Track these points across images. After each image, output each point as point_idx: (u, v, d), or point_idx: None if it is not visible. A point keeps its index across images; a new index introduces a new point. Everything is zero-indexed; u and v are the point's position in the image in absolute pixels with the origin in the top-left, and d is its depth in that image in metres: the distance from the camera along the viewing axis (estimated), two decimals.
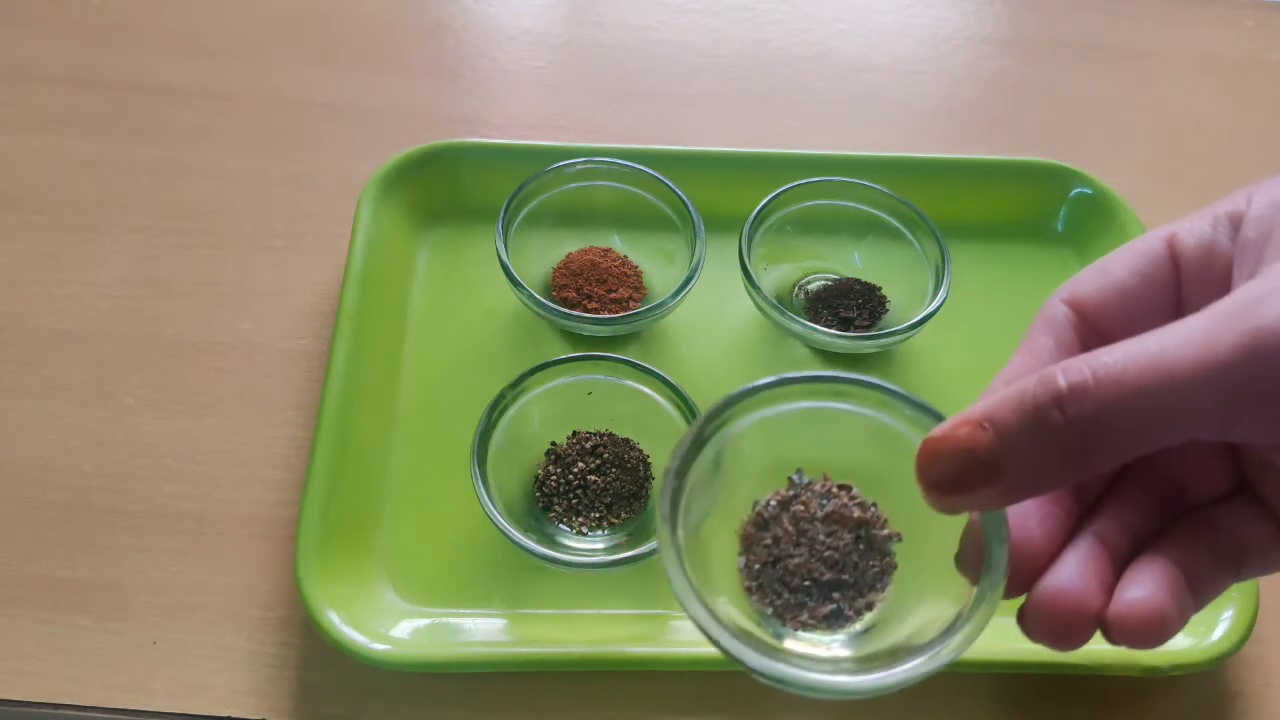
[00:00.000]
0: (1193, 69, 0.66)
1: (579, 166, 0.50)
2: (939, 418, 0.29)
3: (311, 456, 0.42)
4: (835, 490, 0.32)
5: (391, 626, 0.40)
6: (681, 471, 0.30)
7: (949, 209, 0.52)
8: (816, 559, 0.31)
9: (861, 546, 0.31)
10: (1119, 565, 0.27)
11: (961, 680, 0.41)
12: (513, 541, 0.39)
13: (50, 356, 0.48)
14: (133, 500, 0.44)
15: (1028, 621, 0.27)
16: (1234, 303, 0.24)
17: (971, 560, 0.28)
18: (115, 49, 0.61)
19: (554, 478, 0.43)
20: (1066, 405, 0.24)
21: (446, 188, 0.53)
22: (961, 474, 0.25)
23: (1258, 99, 0.65)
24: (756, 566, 0.31)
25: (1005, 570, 0.27)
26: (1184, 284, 0.29)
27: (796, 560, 0.31)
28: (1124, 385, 0.23)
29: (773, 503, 0.32)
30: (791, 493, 0.32)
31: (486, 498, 0.40)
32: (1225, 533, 0.27)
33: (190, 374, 0.48)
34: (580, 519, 0.43)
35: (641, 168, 0.50)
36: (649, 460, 0.44)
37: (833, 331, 0.47)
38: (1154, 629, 0.25)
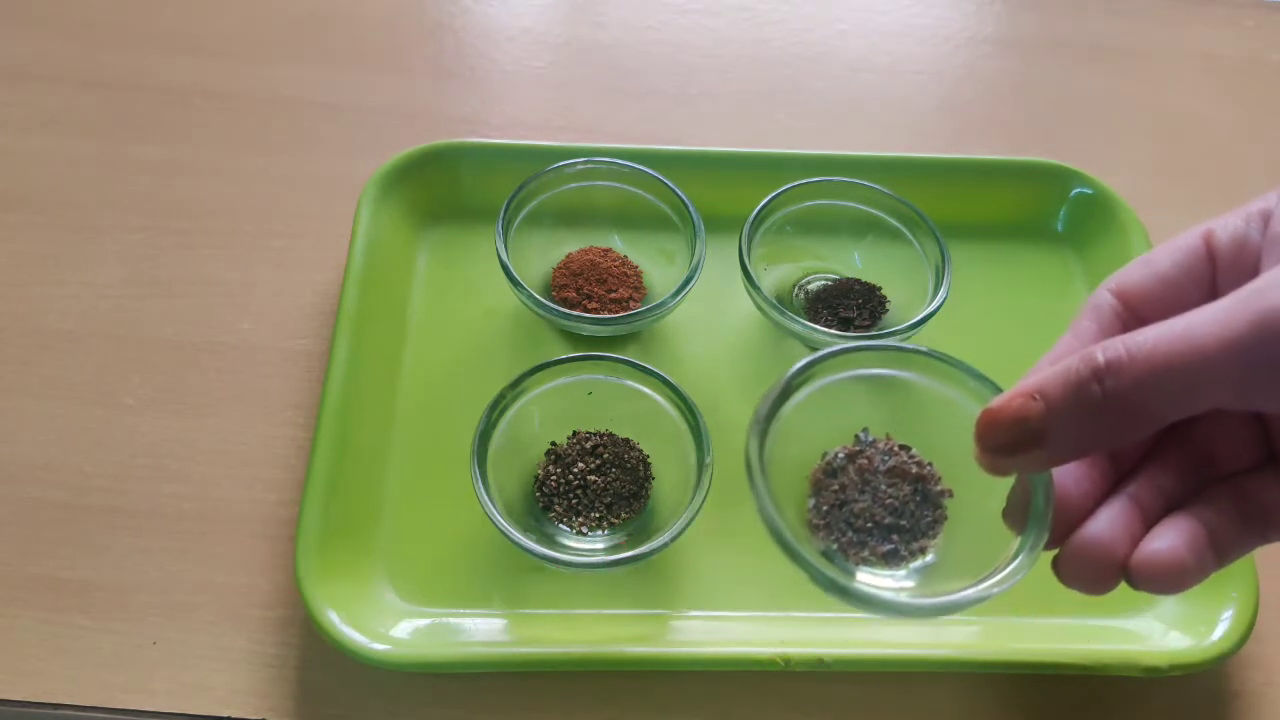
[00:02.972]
0: (1193, 69, 0.66)
1: (579, 166, 0.50)
2: (997, 389, 0.33)
3: (311, 456, 0.42)
4: (896, 449, 0.37)
5: (391, 626, 0.40)
6: (769, 417, 0.34)
7: (949, 209, 0.52)
8: (878, 505, 0.36)
9: (918, 498, 0.36)
10: (1149, 523, 0.30)
11: (962, 680, 0.41)
12: (513, 541, 0.39)
13: (50, 356, 0.48)
14: (133, 500, 0.44)
15: (1062, 567, 0.30)
16: (1251, 288, 0.27)
17: (1018, 514, 0.31)
18: (115, 49, 0.61)
19: (554, 478, 0.43)
20: (1105, 379, 0.27)
21: (446, 188, 0.53)
22: (1014, 440, 0.29)
23: (1258, 99, 0.65)
24: (825, 508, 0.36)
25: (1049, 523, 0.30)
26: (1219, 274, 0.32)
27: (861, 505, 0.36)
28: (1154, 360, 0.27)
29: (841, 455, 0.37)
30: (858, 448, 0.37)
31: (486, 498, 0.40)
32: (1253, 498, 0.30)
33: (190, 374, 0.48)
34: (580, 519, 0.43)
35: (641, 168, 0.50)
36: (649, 460, 0.44)
37: (833, 331, 0.47)
38: (1171, 577, 0.29)
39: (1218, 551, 0.30)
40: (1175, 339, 0.27)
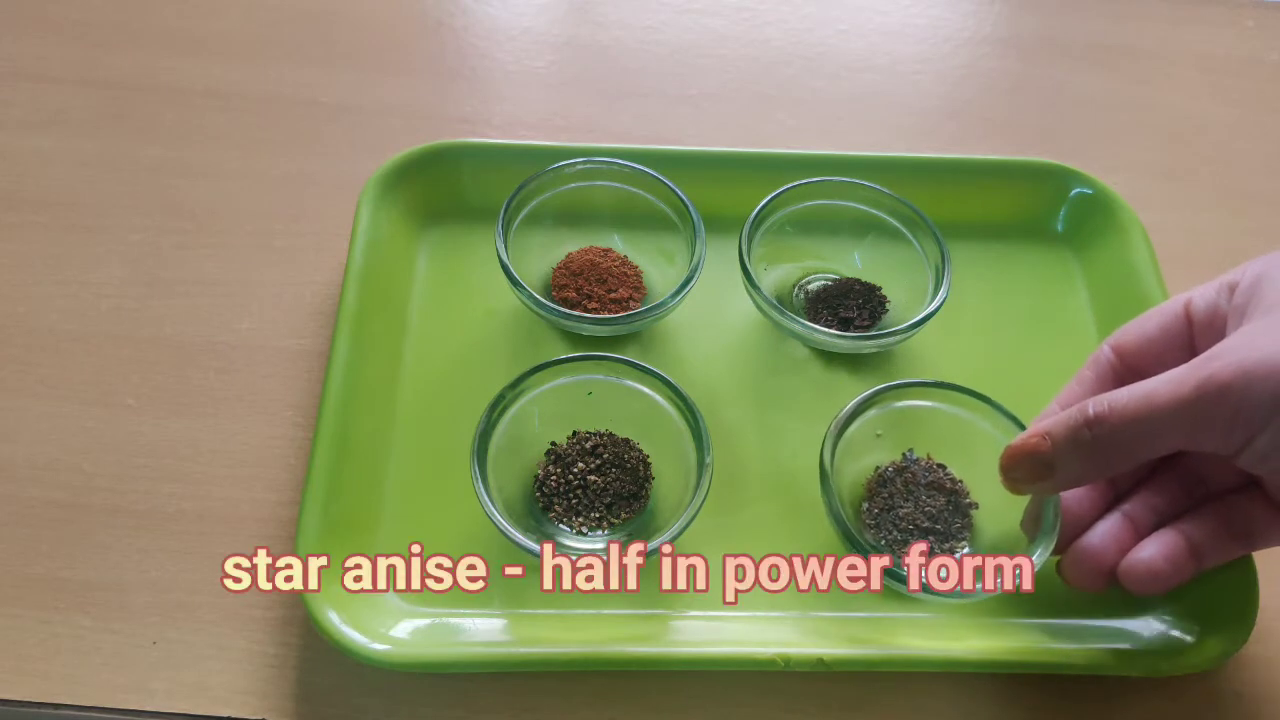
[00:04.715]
0: (1193, 69, 0.66)
1: (579, 166, 0.50)
2: (1020, 424, 0.41)
3: (311, 456, 0.42)
4: (935, 467, 0.45)
5: (391, 626, 0.40)
6: (838, 436, 0.42)
7: (949, 209, 0.52)
8: (919, 512, 0.43)
9: (950, 508, 0.44)
10: (1140, 534, 0.39)
11: (962, 680, 0.41)
12: (513, 541, 0.39)
13: (50, 356, 0.48)
14: (133, 500, 0.44)
15: (1063, 569, 0.40)
16: (1203, 357, 0.35)
17: (1031, 524, 0.40)
18: (115, 49, 0.61)
19: (554, 478, 0.43)
20: (1094, 427, 0.36)
21: (446, 188, 0.53)
22: (1030, 470, 0.38)
23: (1258, 99, 0.65)
24: (876, 511, 0.43)
25: (1056, 534, 0.39)
26: (1195, 337, 0.40)
27: (905, 510, 0.43)
28: (1126, 415, 0.35)
29: (890, 469, 0.44)
30: (904, 464, 0.45)
31: (486, 498, 0.40)
32: (1238, 513, 0.39)
33: (190, 374, 0.48)
34: (580, 519, 0.43)
35: (641, 168, 0.50)
36: (649, 460, 0.44)
37: (833, 331, 0.47)
38: (1150, 581, 0.38)
39: (1197, 558, 0.38)
40: (1142, 398, 0.35)
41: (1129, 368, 0.41)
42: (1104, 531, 0.39)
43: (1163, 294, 0.49)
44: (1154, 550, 0.38)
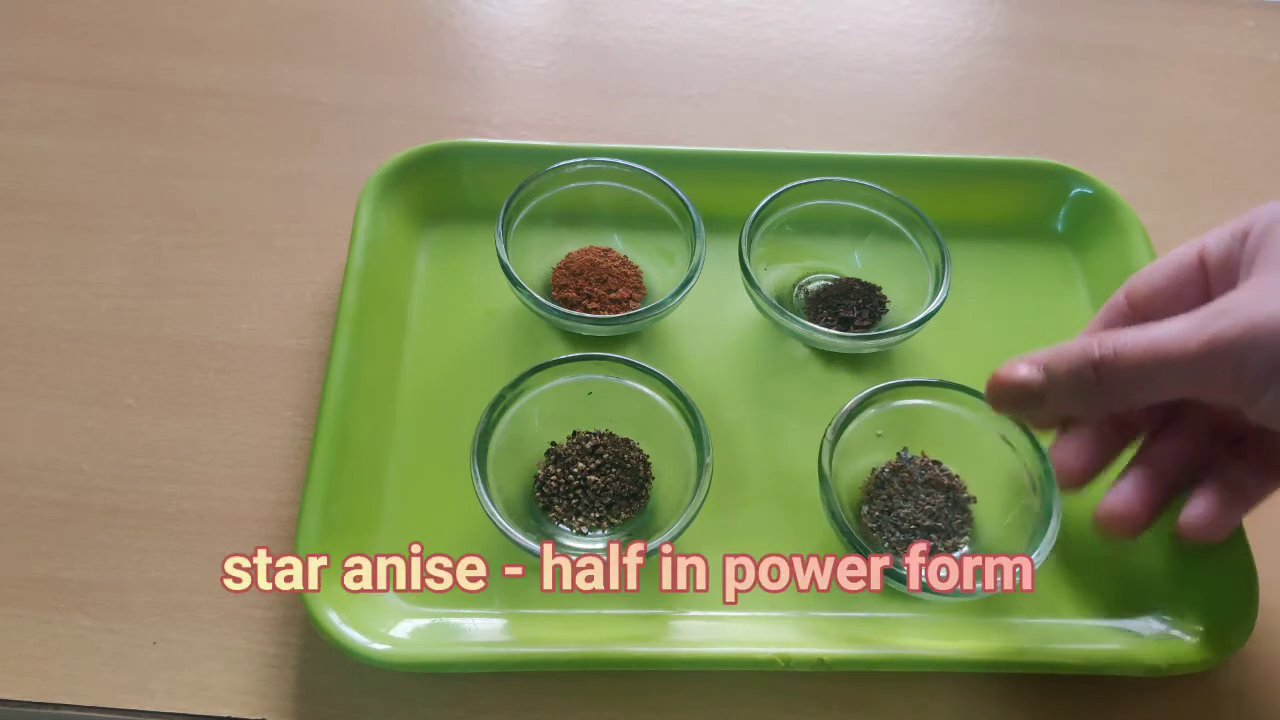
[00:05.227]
0: (1193, 69, 0.66)
1: (579, 166, 0.50)
2: (1021, 426, 0.42)
3: (311, 456, 0.42)
4: (931, 464, 0.45)
5: (391, 626, 0.40)
6: (835, 439, 0.42)
7: (949, 209, 0.52)
8: (920, 511, 0.43)
9: (950, 505, 0.44)
10: (1162, 483, 0.39)
11: (962, 680, 0.41)
12: (513, 541, 0.39)
13: (50, 356, 0.48)
14: (133, 500, 0.44)
15: (1098, 525, 0.40)
16: (1211, 309, 0.35)
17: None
18: (115, 49, 0.61)
19: (554, 478, 0.43)
20: (1098, 369, 0.36)
21: (446, 188, 0.53)
22: (1019, 399, 0.38)
23: (1258, 99, 0.65)
24: (876, 513, 0.43)
25: (1055, 534, 0.40)
26: (1210, 282, 0.39)
27: (905, 510, 0.43)
28: (1131, 361, 0.35)
29: (886, 470, 0.44)
30: (900, 463, 0.44)
31: (486, 498, 0.40)
32: (1259, 453, 0.39)
33: (190, 374, 0.48)
34: (580, 519, 0.43)
35: (641, 168, 0.50)
36: (649, 460, 0.44)
37: (833, 331, 0.47)
38: (1205, 535, 0.38)
39: (1244, 500, 0.38)
40: (1146, 348, 0.35)
41: (1141, 316, 0.40)
42: (1125, 490, 0.39)
43: None
44: (1205, 508, 0.38)
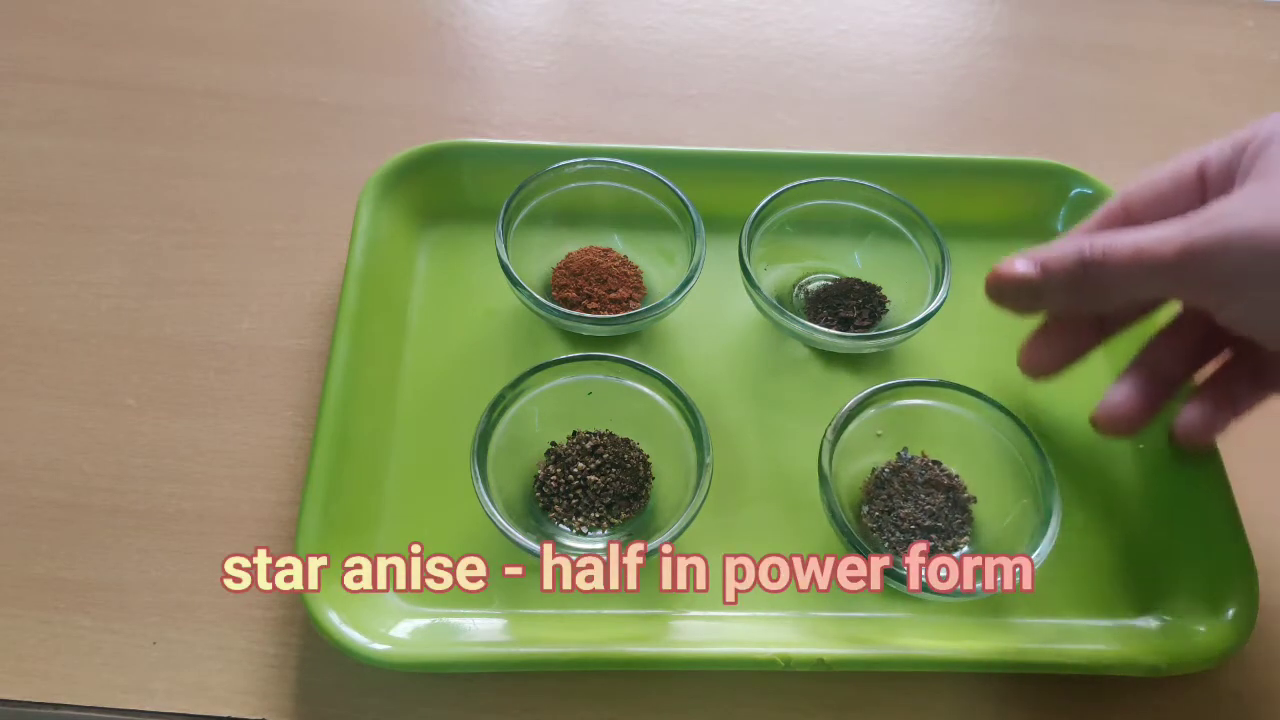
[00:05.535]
0: (1193, 69, 0.66)
1: (579, 166, 0.50)
2: (1009, 414, 0.42)
3: (311, 456, 0.42)
4: (930, 464, 0.45)
5: (391, 626, 0.40)
6: (835, 439, 0.42)
7: (949, 209, 0.52)
8: (920, 511, 0.43)
9: (950, 504, 0.44)
10: (1159, 384, 0.42)
11: (962, 680, 0.41)
12: (513, 541, 0.39)
13: (50, 356, 0.48)
14: (133, 500, 0.44)
15: (1096, 425, 0.43)
16: (1194, 218, 0.36)
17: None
18: (116, 49, 0.61)
19: (554, 478, 0.43)
20: (1087, 267, 0.38)
21: (446, 188, 0.53)
22: (1017, 293, 0.41)
23: (1258, 99, 0.65)
24: (877, 514, 0.43)
25: (1055, 535, 0.40)
26: (1207, 192, 0.40)
27: (905, 510, 0.43)
28: (1118, 261, 0.37)
29: (886, 470, 0.44)
30: (900, 463, 0.44)
31: (486, 498, 0.40)
32: (1251, 359, 0.41)
33: (190, 374, 0.48)
34: (580, 519, 0.43)
35: (641, 168, 0.50)
36: (649, 460, 0.44)
37: (833, 331, 0.47)
38: (1198, 438, 0.42)
39: (1234, 407, 0.41)
40: (1130, 251, 0.37)
41: (1134, 222, 0.41)
42: (1123, 389, 0.42)
43: None
44: (1195, 413, 0.42)
